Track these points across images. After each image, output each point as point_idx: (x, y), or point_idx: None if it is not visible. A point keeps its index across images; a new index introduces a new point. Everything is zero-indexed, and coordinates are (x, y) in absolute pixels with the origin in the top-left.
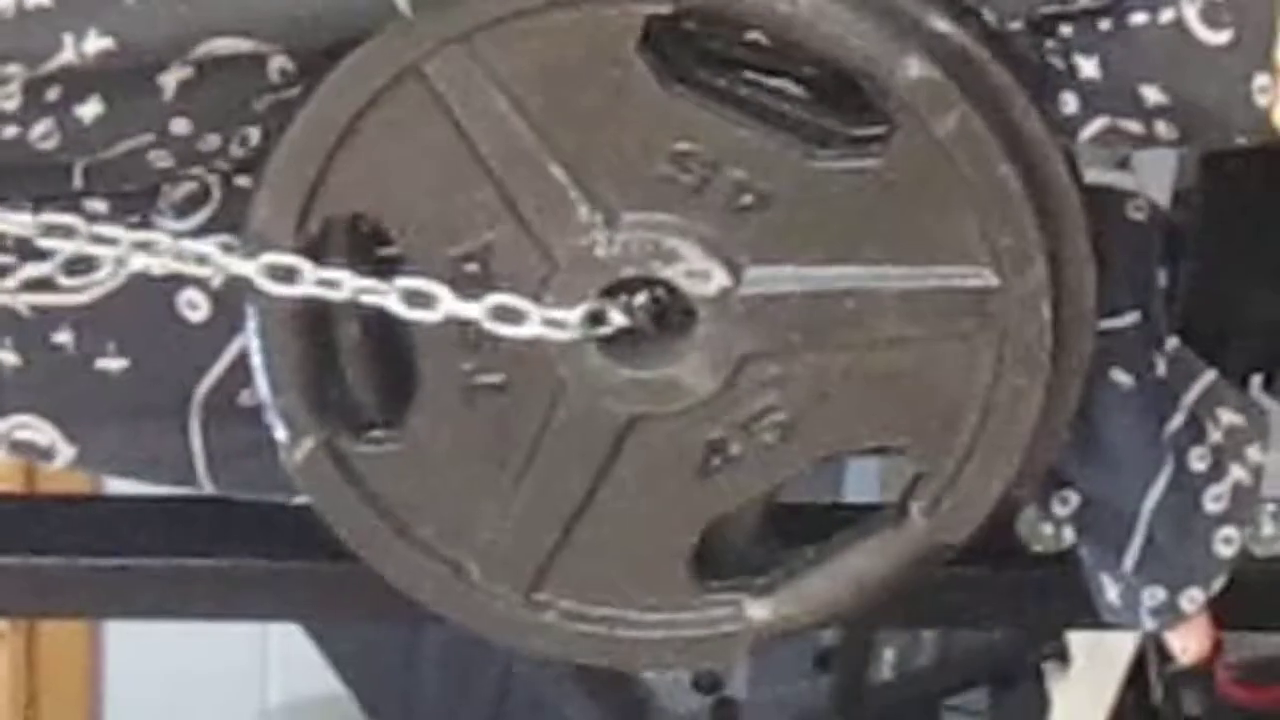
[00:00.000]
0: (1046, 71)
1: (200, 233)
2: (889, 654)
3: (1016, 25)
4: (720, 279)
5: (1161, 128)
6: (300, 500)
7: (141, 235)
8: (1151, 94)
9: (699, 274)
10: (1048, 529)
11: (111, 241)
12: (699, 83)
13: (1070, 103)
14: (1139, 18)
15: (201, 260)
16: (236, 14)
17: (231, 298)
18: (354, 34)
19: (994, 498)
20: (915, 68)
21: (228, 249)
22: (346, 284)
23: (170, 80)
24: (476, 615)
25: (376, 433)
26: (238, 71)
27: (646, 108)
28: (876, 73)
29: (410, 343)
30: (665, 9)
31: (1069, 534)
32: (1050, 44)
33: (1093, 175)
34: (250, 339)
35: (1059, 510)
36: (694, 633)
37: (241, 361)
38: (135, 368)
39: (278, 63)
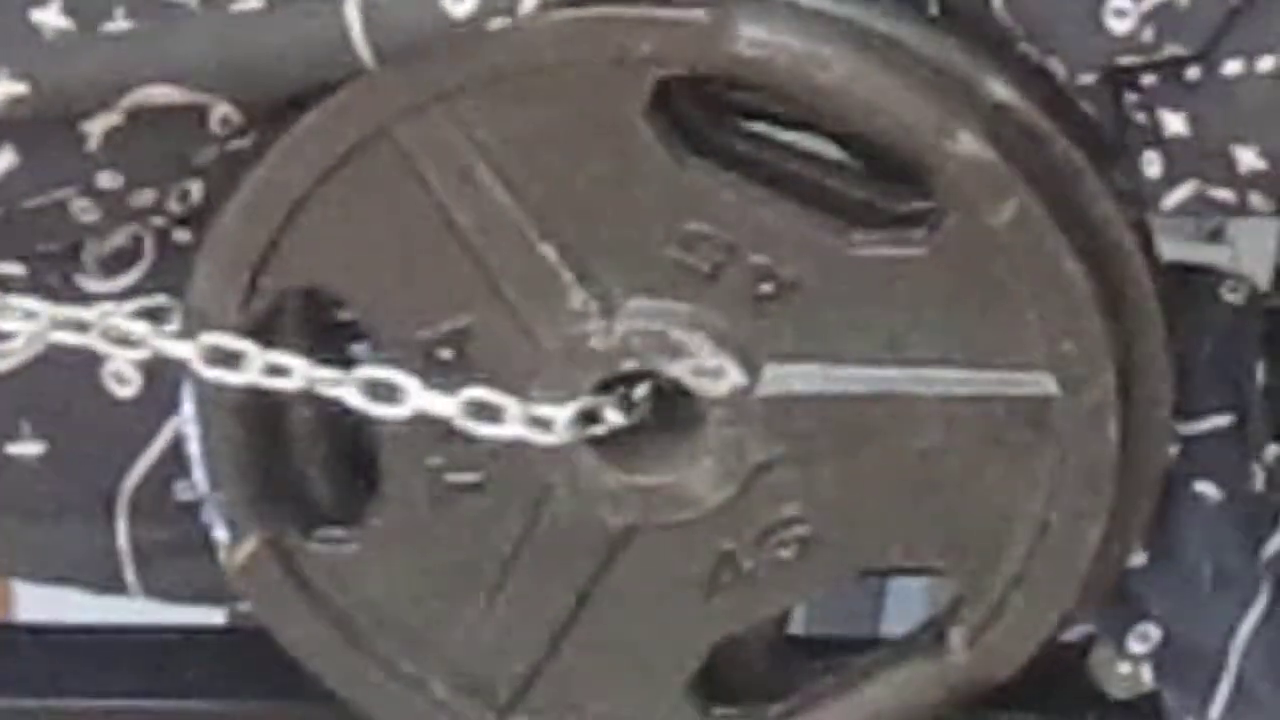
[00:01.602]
0: (1126, 129)
1: (130, 295)
2: None
3: (1089, 79)
4: (734, 377)
5: (1257, 197)
6: (242, 607)
7: (63, 311)
8: (1246, 157)
9: (709, 371)
10: (1124, 669)
11: (29, 316)
12: (716, 149)
13: (1154, 164)
14: (1233, 66)
15: (131, 340)
16: (169, 60)
17: (166, 370)
18: (309, 86)
19: (1047, 629)
20: (968, 145)
21: (161, 324)
22: (299, 371)
23: (95, 128)
24: None
25: (331, 532)
26: (174, 121)
27: (654, 182)
28: (923, 149)
29: (373, 431)
30: (679, 71)
31: (1148, 675)
32: (1130, 98)
33: (1179, 251)
34: (187, 424)
35: (1137, 647)
36: None
37: (177, 446)
38: (53, 453)
39: (220, 112)
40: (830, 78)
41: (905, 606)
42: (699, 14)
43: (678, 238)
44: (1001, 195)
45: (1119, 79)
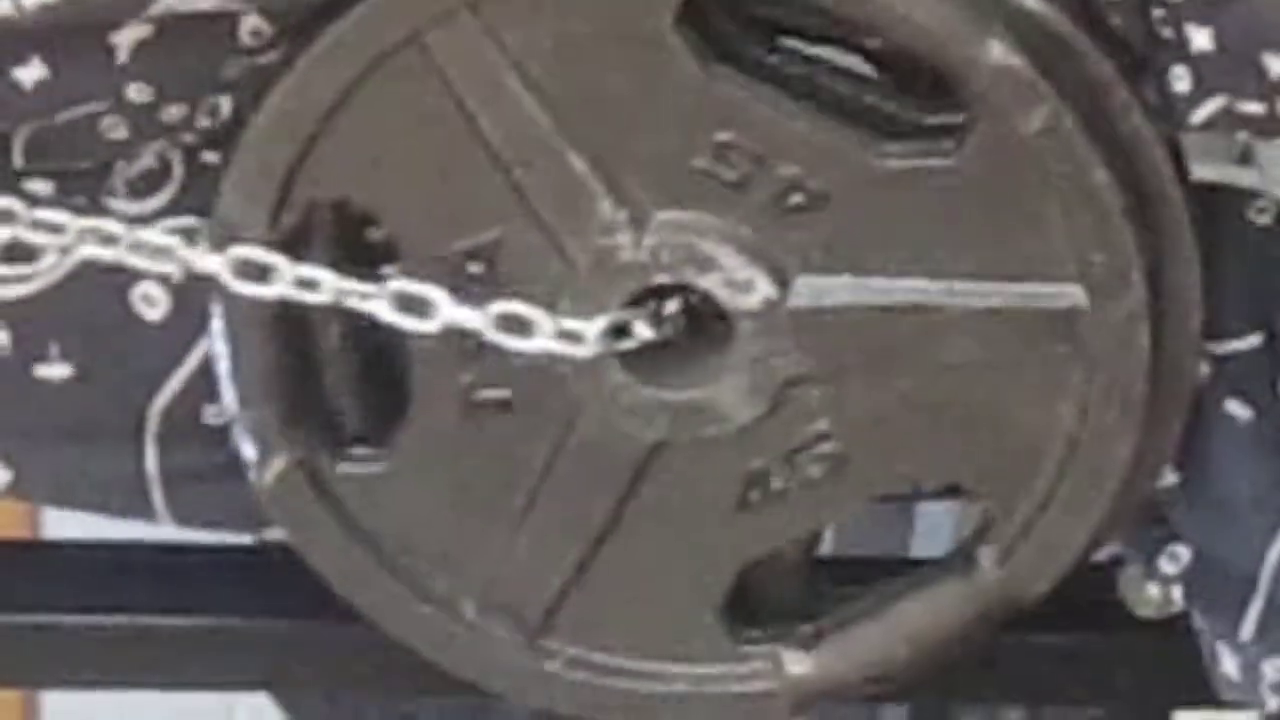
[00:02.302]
0: (1153, 45)
1: (159, 217)
2: None
3: None
4: (764, 290)
5: None
6: (273, 533)
7: (90, 222)
8: (1277, 67)
9: (739, 284)
10: (1154, 590)
11: (56, 229)
12: (745, 60)
13: (1181, 79)
14: None
15: (160, 253)
16: None
17: (195, 293)
18: None
19: (1078, 548)
20: (997, 53)
21: (190, 240)
22: (328, 285)
23: (125, 40)
24: (471, 661)
25: (360, 451)
26: (204, 32)
27: (683, 92)
28: (952, 58)
29: (402, 349)
30: None
31: (1179, 595)
32: (1157, 12)
33: (1208, 171)
34: (216, 342)
35: (1167, 568)
36: (724, 689)
37: (206, 370)
38: (81, 375)
39: (250, 23)
40: None
41: (934, 530)
42: None
43: (707, 148)
44: (1031, 104)
45: None
